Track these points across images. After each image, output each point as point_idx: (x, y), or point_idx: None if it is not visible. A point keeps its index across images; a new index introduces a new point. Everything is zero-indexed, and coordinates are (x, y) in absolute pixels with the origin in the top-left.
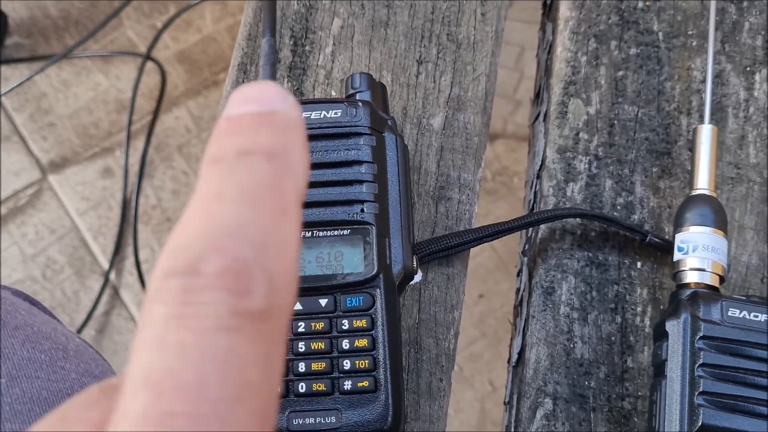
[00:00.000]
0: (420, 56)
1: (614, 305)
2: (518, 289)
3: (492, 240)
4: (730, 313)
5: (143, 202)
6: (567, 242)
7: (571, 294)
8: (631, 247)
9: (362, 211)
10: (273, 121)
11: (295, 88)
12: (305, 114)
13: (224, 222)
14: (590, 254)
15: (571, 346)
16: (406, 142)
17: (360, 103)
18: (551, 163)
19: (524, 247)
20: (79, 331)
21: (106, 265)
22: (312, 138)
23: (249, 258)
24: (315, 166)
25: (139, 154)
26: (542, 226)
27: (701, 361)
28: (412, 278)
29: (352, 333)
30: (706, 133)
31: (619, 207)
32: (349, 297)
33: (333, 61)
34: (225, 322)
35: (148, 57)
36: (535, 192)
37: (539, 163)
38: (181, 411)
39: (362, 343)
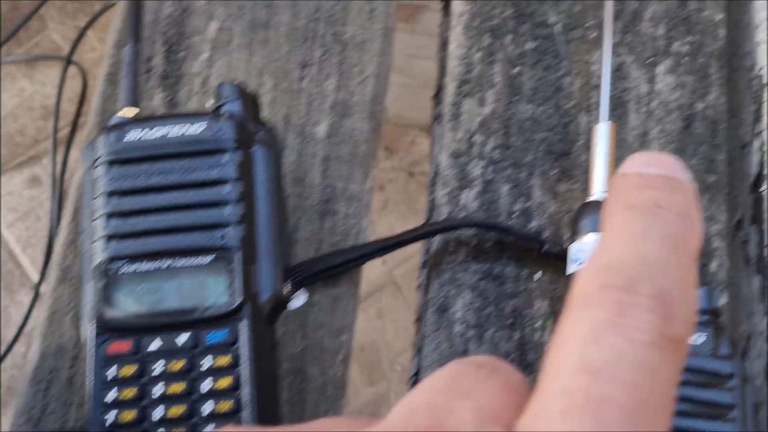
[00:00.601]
0: (303, 59)
1: (512, 321)
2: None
3: (381, 256)
4: None
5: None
6: (461, 254)
7: (467, 310)
8: (529, 257)
9: (225, 235)
10: (682, 187)
11: (169, 99)
12: (164, 130)
13: (653, 258)
14: (486, 266)
15: None
16: (288, 153)
17: (225, 116)
18: (445, 170)
19: (423, 260)
20: (10, 348)
21: (36, 278)
22: (171, 157)
23: (674, 292)
24: (174, 187)
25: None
26: (436, 238)
27: None
28: (286, 305)
29: (215, 371)
30: (602, 132)
31: (516, 214)
32: (212, 332)
33: (210, 68)
34: (656, 340)
35: (70, 60)
36: (430, 200)
37: (434, 170)
38: (617, 400)
39: (225, 382)
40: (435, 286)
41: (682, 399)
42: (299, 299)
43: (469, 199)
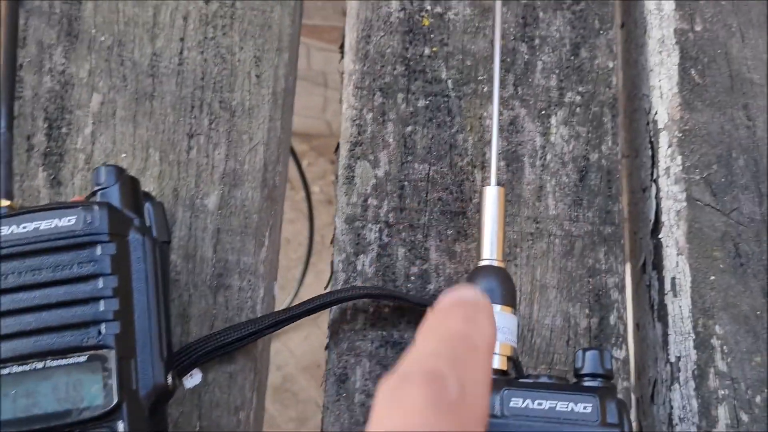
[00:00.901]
0: (191, 129)
1: None
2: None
3: (274, 331)
4: (512, 404)
5: None
6: (359, 322)
7: (366, 380)
8: None
9: (100, 333)
10: (465, 304)
11: (52, 177)
12: (34, 224)
13: (428, 350)
14: (385, 333)
15: None
16: (178, 227)
17: (96, 207)
18: (340, 235)
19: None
20: None
21: None
22: (41, 252)
23: (444, 370)
24: (44, 285)
25: None
26: (333, 308)
27: None
28: (169, 397)
29: None
30: (490, 196)
31: (413, 277)
32: None
33: (93, 143)
34: (429, 406)
35: None
36: (331, 265)
37: (332, 235)
38: None
39: None
40: (333, 356)
41: None
42: (193, 379)
43: (365, 264)
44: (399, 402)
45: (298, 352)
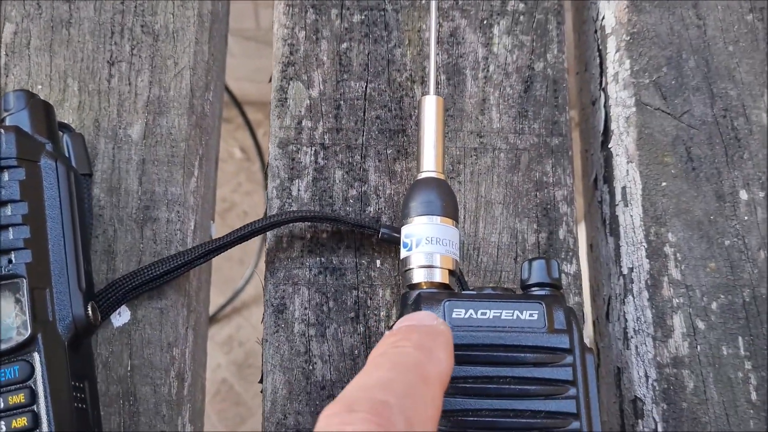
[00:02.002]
0: (111, 56)
1: (354, 314)
2: None
3: (205, 262)
4: (454, 315)
5: None
6: (296, 249)
7: (305, 308)
8: (368, 245)
9: (10, 262)
10: (422, 329)
11: None
12: None
13: (375, 380)
14: (323, 259)
15: (310, 368)
16: (100, 159)
17: (2, 131)
18: (274, 160)
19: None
20: None
21: None
22: None
23: (391, 400)
24: None
25: None
26: (268, 235)
27: None
28: (91, 329)
29: (9, 412)
30: (429, 106)
31: (351, 200)
32: (2, 369)
33: (7, 76)
34: None
35: None
36: (265, 194)
37: (268, 162)
38: None
39: (20, 422)
40: (270, 286)
41: (517, 380)
42: (122, 317)
43: (301, 189)
44: None
45: (260, 327)
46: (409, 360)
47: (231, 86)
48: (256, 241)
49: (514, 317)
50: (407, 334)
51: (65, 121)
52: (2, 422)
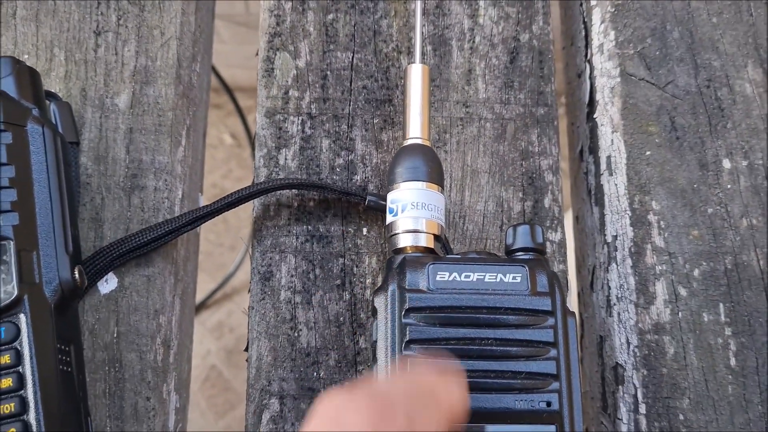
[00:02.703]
0: (98, 26)
1: (341, 281)
2: None
3: (192, 228)
4: (438, 278)
5: None
6: (283, 217)
7: (292, 276)
8: (355, 213)
9: None
10: (444, 369)
11: None
12: None
13: (386, 382)
14: (310, 227)
15: (296, 335)
16: (87, 128)
17: None
18: (261, 130)
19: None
20: None
21: None
22: None
23: (396, 399)
24: None
25: None
26: (255, 204)
27: (408, 338)
28: (78, 293)
29: None
30: (415, 75)
31: (338, 169)
32: None
33: None
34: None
35: None
36: (253, 164)
37: (255, 132)
38: None
39: (6, 383)
40: (257, 254)
41: (499, 341)
42: (109, 284)
43: (288, 158)
44: (338, 420)
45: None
46: (424, 379)
47: (222, 72)
48: (247, 227)
49: (498, 280)
50: (427, 369)
51: (52, 90)
52: None
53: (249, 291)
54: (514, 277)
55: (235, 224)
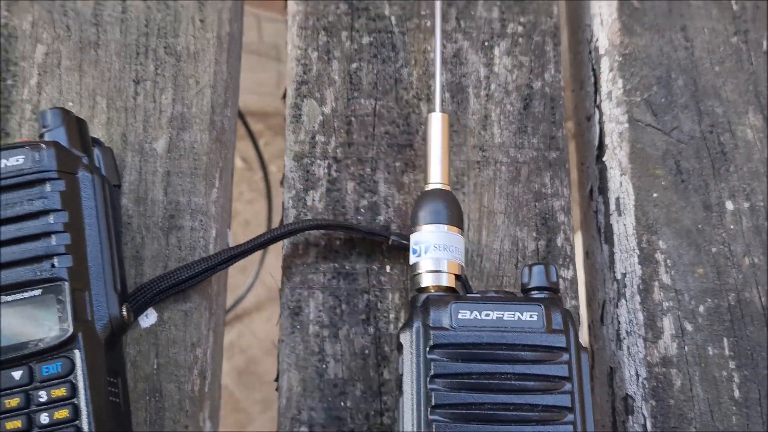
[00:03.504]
0: (137, 75)
1: (366, 316)
2: None
3: (227, 266)
4: (460, 316)
5: None
6: (311, 256)
7: (320, 311)
8: (378, 251)
9: (53, 266)
10: None
11: None
12: None
13: None
14: (337, 265)
15: (324, 366)
16: (128, 172)
17: (43, 145)
18: (289, 172)
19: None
20: None
21: None
22: None
23: None
24: None
25: None
26: (285, 243)
27: (432, 373)
28: (125, 329)
29: (51, 405)
30: (435, 123)
31: (363, 210)
32: (46, 365)
33: (40, 94)
34: None
35: None
36: (282, 204)
37: (283, 174)
38: None
39: (62, 414)
40: (286, 290)
41: (517, 376)
42: (149, 319)
43: (315, 199)
44: None
45: (261, 334)
46: None
47: None
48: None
49: (515, 318)
50: None
51: (95, 136)
52: (45, 413)
53: (278, 323)
54: (530, 315)
55: None
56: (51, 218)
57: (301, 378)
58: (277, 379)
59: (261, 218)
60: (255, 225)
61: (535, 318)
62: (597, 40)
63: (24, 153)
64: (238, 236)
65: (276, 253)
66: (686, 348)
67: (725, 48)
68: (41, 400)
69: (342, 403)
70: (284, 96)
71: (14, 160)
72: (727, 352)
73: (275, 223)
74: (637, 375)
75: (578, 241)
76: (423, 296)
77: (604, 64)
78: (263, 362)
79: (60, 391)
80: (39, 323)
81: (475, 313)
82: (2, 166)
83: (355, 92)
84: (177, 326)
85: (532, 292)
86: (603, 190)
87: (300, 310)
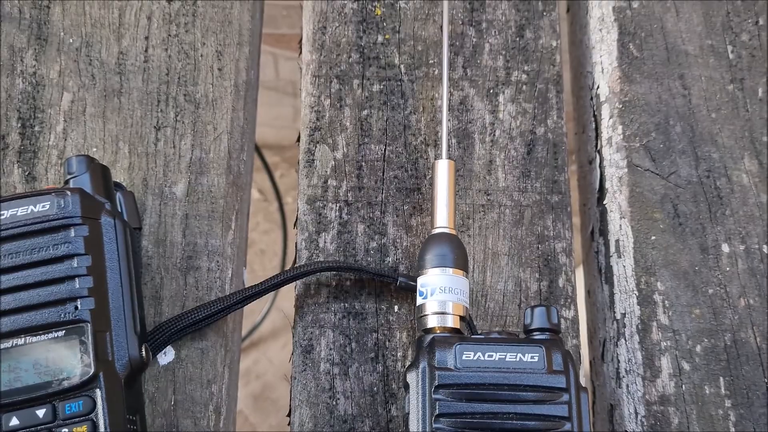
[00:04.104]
0: (158, 122)
1: (374, 354)
2: None
3: (242, 306)
4: (464, 357)
5: None
6: (323, 296)
7: (330, 349)
8: (387, 292)
9: (76, 308)
10: None
11: (27, 173)
12: (10, 212)
13: None
14: (347, 305)
15: (334, 403)
16: (148, 214)
17: (68, 192)
18: (302, 215)
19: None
20: None
21: None
22: (17, 237)
23: None
24: (22, 267)
25: None
26: (298, 283)
27: (437, 412)
28: (143, 368)
29: None
30: (442, 169)
31: (372, 251)
32: (68, 403)
33: (65, 140)
34: None
35: None
36: (295, 245)
37: (296, 216)
38: None
39: None
40: (299, 329)
41: (519, 416)
42: (167, 356)
43: (327, 241)
44: None
45: (276, 360)
46: None
47: None
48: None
49: (517, 359)
50: None
51: (118, 180)
52: None
53: (290, 361)
54: (532, 357)
55: (262, 274)
56: (75, 262)
57: (312, 414)
58: (289, 415)
59: (276, 248)
60: (270, 254)
61: (536, 359)
62: (598, 87)
63: (50, 200)
64: (253, 265)
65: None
66: (683, 387)
67: (722, 95)
68: None
69: None
70: (298, 140)
71: (41, 207)
72: (723, 391)
73: (291, 251)
74: (636, 413)
75: (580, 278)
76: (429, 337)
77: (605, 111)
78: (278, 388)
79: (81, 429)
80: (62, 363)
81: (479, 354)
82: (30, 212)
83: (366, 138)
84: (194, 363)
85: (534, 333)
86: (603, 232)
87: (311, 348)
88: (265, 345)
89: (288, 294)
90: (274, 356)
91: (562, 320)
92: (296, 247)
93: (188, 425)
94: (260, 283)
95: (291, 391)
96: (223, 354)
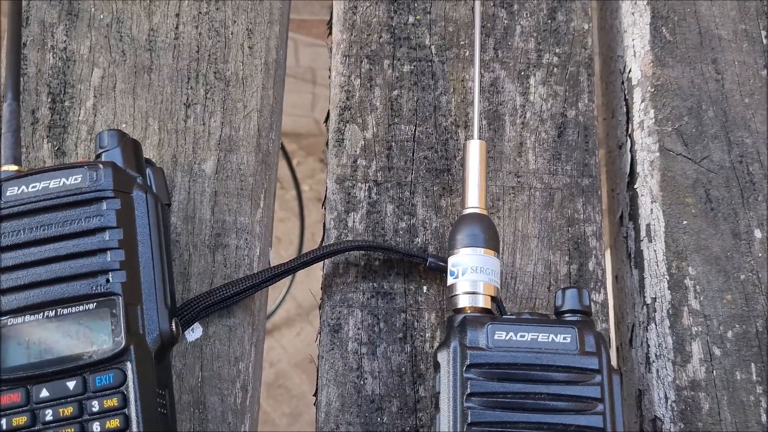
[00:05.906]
0: (187, 99)
1: (403, 334)
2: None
3: (271, 284)
4: (496, 337)
5: None
6: (351, 275)
7: (359, 329)
8: (416, 272)
9: (108, 281)
10: None
11: (56, 148)
12: (42, 184)
13: None
14: (375, 285)
15: (362, 383)
16: (177, 191)
17: (101, 165)
18: (331, 194)
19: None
20: None
21: None
22: (49, 209)
23: None
24: (54, 239)
25: None
26: (326, 262)
27: (469, 391)
28: (175, 342)
29: (103, 414)
30: (473, 149)
31: (401, 232)
32: (99, 375)
33: (95, 115)
34: None
35: None
36: (323, 225)
37: (325, 196)
38: None
39: (113, 424)
40: (327, 308)
41: (551, 396)
42: (195, 333)
43: (356, 221)
44: None
45: (290, 348)
46: None
47: None
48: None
49: (550, 340)
50: None
51: (148, 157)
52: (98, 423)
53: (317, 341)
54: (564, 338)
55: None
56: (107, 235)
57: (339, 393)
58: (315, 394)
59: (292, 236)
60: (286, 242)
61: (568, 340)
62: (630, 71)
63: (82, 172)
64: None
65: (306, 270)
66: (714, 372)
67: (755, 81)
68: (94, 409)
69: (379, 419)
70: (326, 120)
71: (73, 179)
72: (754, 377)
73: (307, 240)
74: (666, 398)
75: (607, 263)
76: (460, 317)
77: (637, 95)
78: (292, 376)
79: (112, 402)
80: (93, 336)
81: (511, 334)
82: (62, 184)
83: (396, 118)
84: (221, 341)
85: (566, 315)
86: (633, 216)
87: (339, 327)
88: (279, 333)
89: (302, 283)
90: (288, 344)
91: (592, 304)
92: (324, 226)
93: (215, 402)
94: (289, 261)
95: (318, 370)
96: (251, 332)
